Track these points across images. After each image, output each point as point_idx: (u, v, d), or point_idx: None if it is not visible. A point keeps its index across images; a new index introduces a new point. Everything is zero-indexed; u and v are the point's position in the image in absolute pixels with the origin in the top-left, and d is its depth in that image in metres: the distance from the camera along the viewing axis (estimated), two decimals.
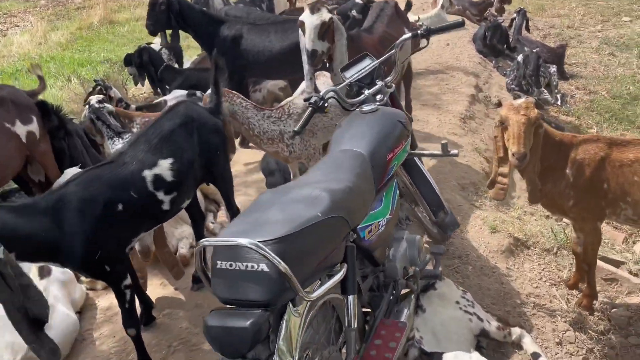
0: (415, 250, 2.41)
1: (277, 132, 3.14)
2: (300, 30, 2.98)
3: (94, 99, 4.01)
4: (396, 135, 2.30)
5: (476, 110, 5.58)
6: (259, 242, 1.45)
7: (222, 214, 3.55)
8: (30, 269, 2.71)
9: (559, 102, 6.24)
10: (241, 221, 1.63)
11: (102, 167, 2.32)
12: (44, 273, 2.66)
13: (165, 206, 2.39)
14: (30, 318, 1.90)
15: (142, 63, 5.88)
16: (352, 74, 2.62)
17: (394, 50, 2.66)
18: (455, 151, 2.60)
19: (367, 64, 2.64)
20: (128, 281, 2.31)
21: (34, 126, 3.22)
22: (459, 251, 3.15)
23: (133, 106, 5.45)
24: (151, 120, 2.74)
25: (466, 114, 5.30)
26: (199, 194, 3.53)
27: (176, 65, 6.46)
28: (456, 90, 5.84)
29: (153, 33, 4.50)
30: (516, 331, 2.48)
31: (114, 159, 2.36)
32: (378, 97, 2.57)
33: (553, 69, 6.41)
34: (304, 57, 2.99)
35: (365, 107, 2.42)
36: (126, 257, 2.38)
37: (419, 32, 2.64)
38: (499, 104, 5.73)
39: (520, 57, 6.09)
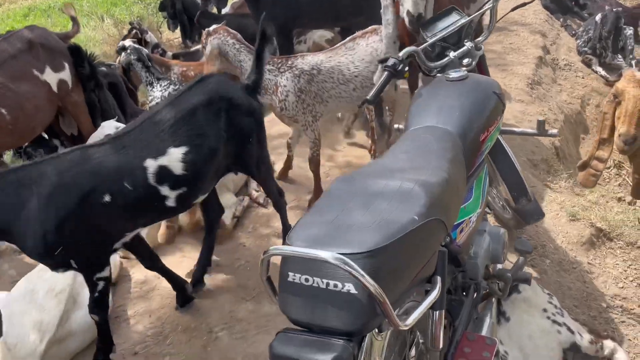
0: (499, 246, 2.06)
1: (272, 83, 2.83)
2: None
3: (128, 42, 3.69)
4: (491, 110, 1.91)
5: (543, 75, 5.04)
6: (344, 254, 1.12)
7: None
8: None
9: (633, 69, 5.61)
10: (316, 220, 1.29)
11: (93, 148, 1.94)
12: None
13: (170, 202, 2.01)
14: None
15: (175, 12, 5.54)
16: (436, 32, 2.19)
17: (491, 5, 2.21)
18: (554, 131, 2.20)
19: (453, 21, 2.20)
20: (104, 274, 1.99)
21: (66, 74, 2.91)
22: (534, 241, 2.78)
23: (169, 53, 5.12)
24: (171, 95, 2.29)
25: (533, 78, 4.77)
26: None
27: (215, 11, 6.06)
28: (521, 51, 5.28)
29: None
30: (609, 345, 2.14)
31: (111, 140, 1.98)
32: (465, 61, 2.14)
33: (629, 31, 5.74)
34: (387, 19, 2.58)
35: (452, 74, 2.01)
36: (108, 252, 2.03)
37: None
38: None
39: (598, 17, 5.45)
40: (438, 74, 2.13)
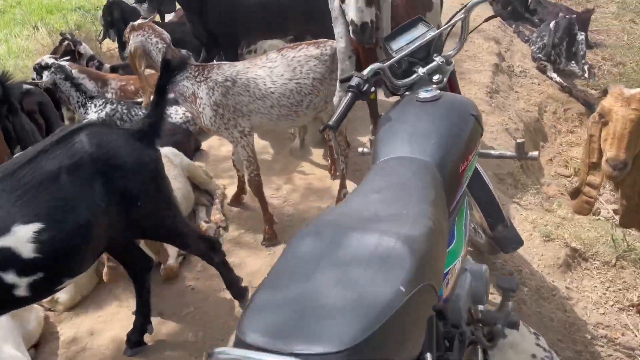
0: (482, 284, 1.82)
1: (189, 92, 2.57)
2: None
3: (49, 58, 3.31)
4: (469, 135, 1.67)
5: (500, 82, 4.93)
6: (314, 355, 0.84)
7: (218, 210, 2.90)
8: None
9: (586, 75, 5.62)
10: (276, 299, 1.00)
11: None
12: None
13: (21, 292, 1.62)
14: None
15: (112, 20, 5.16)
16: (402, 45, 1.95)
17: (462, 15, 1.99)
18: (535, 153, 1.98)
19: (421, 33, 1.97)
20: None
21: None
22: (509, 265, 2.58)
23: (107, 66, 4.70)
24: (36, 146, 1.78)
25: (491, 86, 4.65)
26: (188, 183, 2.87)
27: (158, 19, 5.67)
28: (478, 58, 5.16)
29: (154, 10, 4.24)
30: None
31: None
32: (435, 77, 1.91)
33: (581, 36, 5.74)
34: (338, 32, 2.33)
35: (423, 93, 1.76)
36: None
37: None
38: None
39: (552, 23, 5.41)
40: (406, 93, 1.89)
